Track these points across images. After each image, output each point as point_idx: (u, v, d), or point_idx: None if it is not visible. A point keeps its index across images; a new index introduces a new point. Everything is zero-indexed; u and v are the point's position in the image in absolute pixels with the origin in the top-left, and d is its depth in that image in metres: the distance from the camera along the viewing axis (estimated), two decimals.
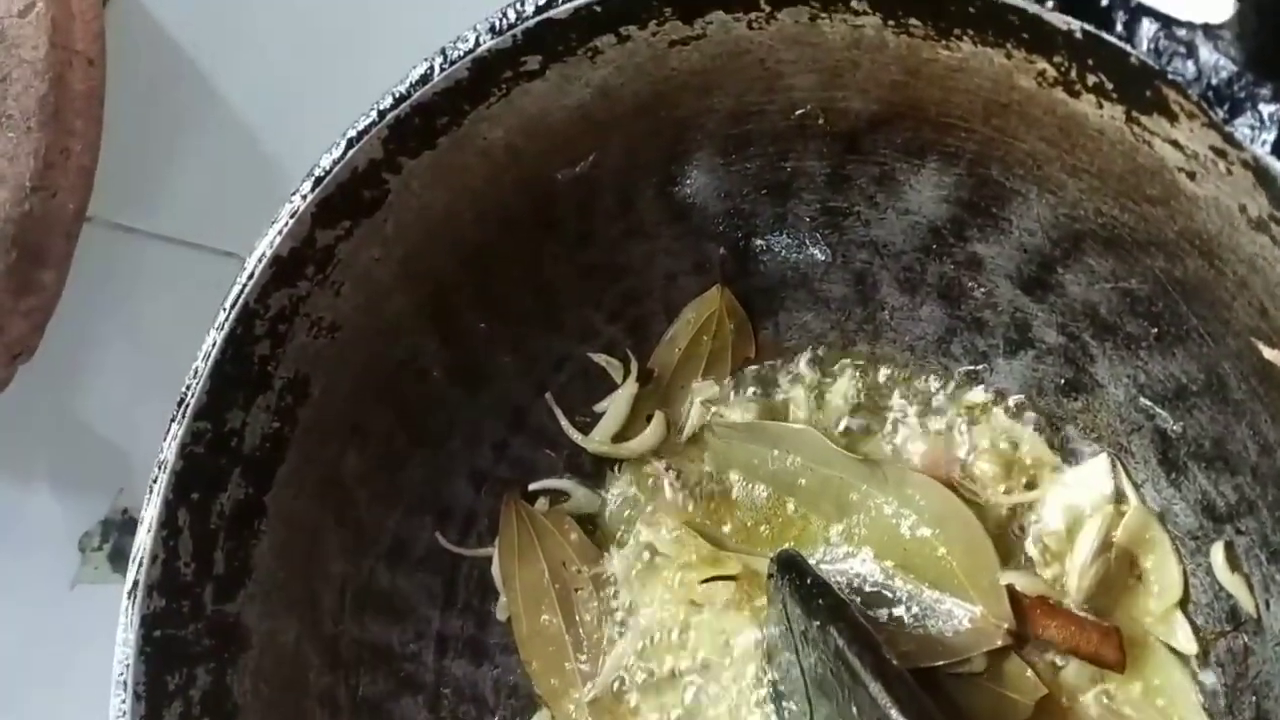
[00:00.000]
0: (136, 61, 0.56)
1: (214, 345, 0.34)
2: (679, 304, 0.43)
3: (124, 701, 0.32)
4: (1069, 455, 0.39)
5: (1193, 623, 0.35)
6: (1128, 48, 0.24)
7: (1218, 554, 0.34)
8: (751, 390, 0.43)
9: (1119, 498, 0.37)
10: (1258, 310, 0.27)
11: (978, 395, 0.40)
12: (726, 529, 0.41)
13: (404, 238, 0.36)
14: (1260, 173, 0.23)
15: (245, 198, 0.54)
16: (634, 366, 0.43)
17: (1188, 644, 0.35)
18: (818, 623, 0.33)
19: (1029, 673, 0.36)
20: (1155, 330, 0.33)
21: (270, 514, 0.36)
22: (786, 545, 0.39)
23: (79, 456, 0.56)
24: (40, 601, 0.55)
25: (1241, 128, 0.23)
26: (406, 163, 0.34)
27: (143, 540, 0.33)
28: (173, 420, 0.34)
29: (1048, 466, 0.38)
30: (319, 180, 0.33)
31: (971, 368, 0.40)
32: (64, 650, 0.53)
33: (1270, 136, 0.23)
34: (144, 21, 0.58)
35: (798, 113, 0.34)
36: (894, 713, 0.29)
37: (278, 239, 0.34)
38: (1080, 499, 0.37)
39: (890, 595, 0.37)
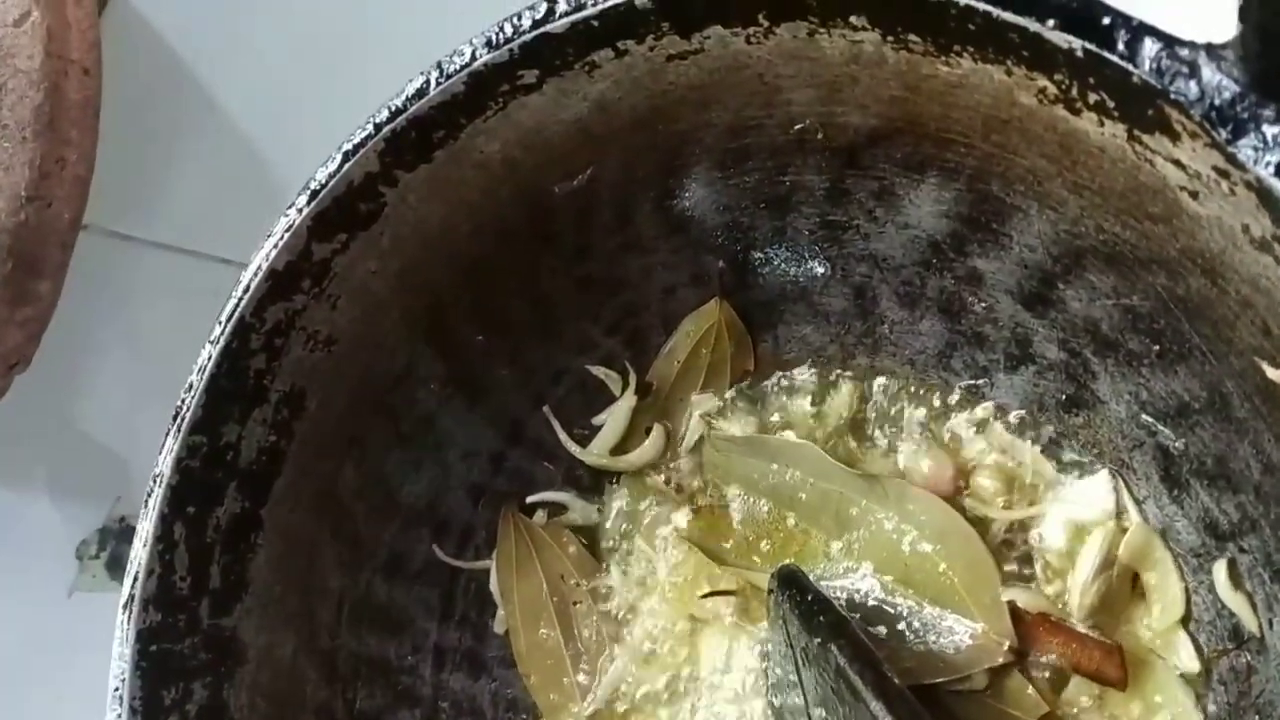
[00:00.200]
0: (133, 70, 0.56)
1: (209, 359, 0.34)
2: (677, 317, 0.43)
3: (120, 716, 0.32)
4: (1070, 471, 0.38)
5: (1195, 641, 0.35)
6: (1130, 67, 0.24)
7: (1220, 572, 0.34)
8: (750, 404, 0.43)
9: (1121, 514, 0.37)
10: (1261, 329, 0.27)
11: (978, 410, 0.40)
12: (728, 544, 0.41)
13: (400, 251, 0.36)
14: (1264, 194, 0.23)
15: (242, 205, 0.54)
16: (632, 379, 0.43)
17: (1190, 662, 0.35)
18: (818, 639, 0.32)
19: (1030, 690, 0.36)
20: (1157, 347, 0.33)
21: (266, 528, 0.36)
22: (787, 561, 0.39)
23: (77, 465, 0.56)
24: (38, 609, 0.55)
25: (1245, 149, 0.23)
26: (403, 176, 0.34)
27: (138, 554, 0.33)
28: (168, 434, 0.33)
29: (1049, 482, 0.38)
30: (314, 194, 0.33)
31: (972, 382, 0.40)
32: (62, 658, 0.53)
33: (1274, 158, 0.23)
34: (140, 29, 0.58)
35: (796, 127, 0.34)
36: None
37: (273, 252, 0.34)
38: (1082, 515, 0.37)
39: (891, 611, 0.37)
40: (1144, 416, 0.35)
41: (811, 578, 0.36)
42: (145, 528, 0.33)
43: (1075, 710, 0.36)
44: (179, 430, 0.33)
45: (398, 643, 0.41)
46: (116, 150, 0.51)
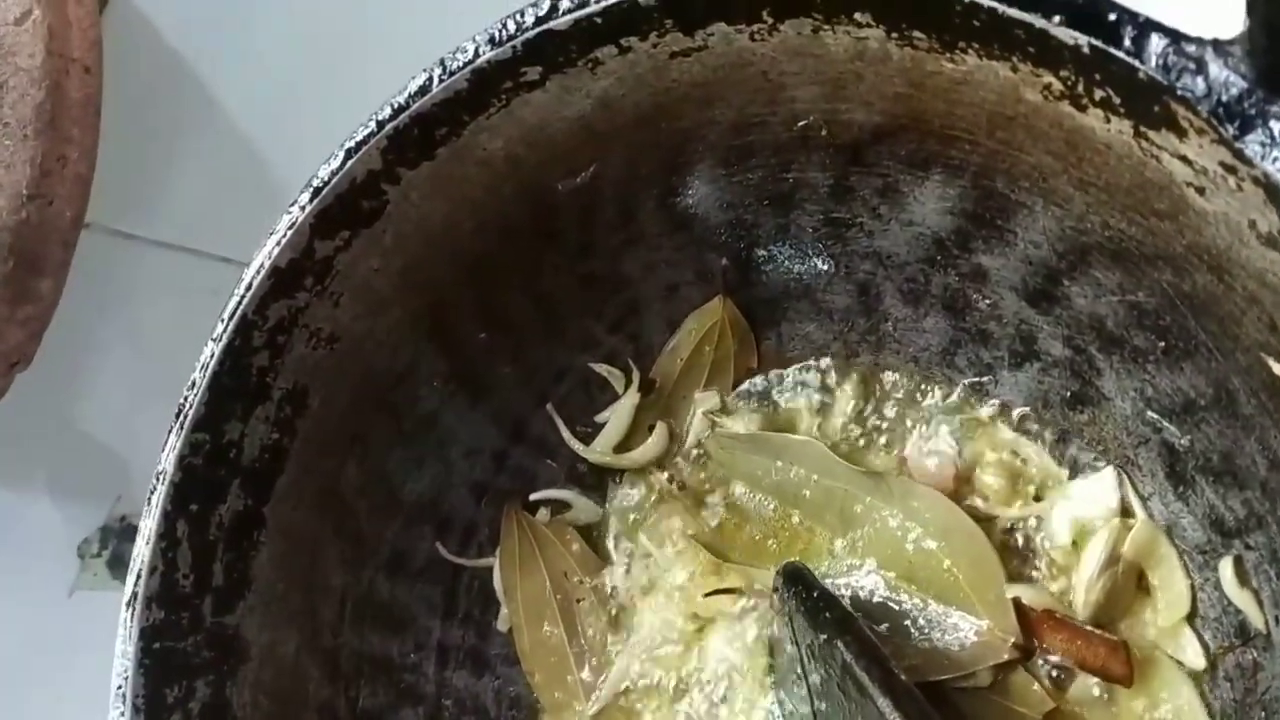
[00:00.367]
0: (134, 68, 0.56)
1: (212, 356, 0.34)
2: (681, 314, 0.42)
3: (123, 714, 0.32)
4: (1075, 468, 0.38)
5: (1201, 637, 0.35)
6: (1136, 63, 0.24)
7: (1226, 569, 0.34)
8: (754, 401, 0.43)
9: (1126, 511, 0.37)
10: (1267, 325, 0.27)
11: (983, 407, 0.40)
12: (734, 542, 0.41)
13: (403, 248, 0.36)
14: (1271, 190, 0.23)
15: (243, 204, 0.54)
16: (635, 377, 0.43)
17: (1196, 659, 0.35)
18: (824, 636, 0.32)
19: (1036, 686, 0.36)
20: (1163, 344, 0.32)
21: (269, 525, 0.36)
22: (792, 558, 0.39)
23: (78, 463, 0.56)
24: (39, 608, 0.55)
25: (1252, 144, 0.23)
26: (405, 173, 0.34)
27: (141, 552, 0.33)
28: (170, 431, 0.33)
29: (1053, 479, 0.38)
30: (317, 191, 0.33)
31: (976, 380, 0.40)
32: (63, 657, 0.53)
33: None
34: (142, 27, 0.58)
35: (800, 124, 0.34)
36: None
37: (276, 250, 0.34)
38: (1087, 512, 0.37)
39: (895, 609, 0.37)
40: (1149, 413, 0.35)
41: (816, 575, 0.36)
42: (148, 525, 0.33)
43: (1080, 707, 0.36)
44: (182, 428, 0.33)
45: (400, 640, 0.41)
46: (118, 148, 0.51)
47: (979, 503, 0.38)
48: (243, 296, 0.34)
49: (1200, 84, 0.23)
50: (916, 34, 0.28)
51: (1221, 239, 0.27)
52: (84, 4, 0.47)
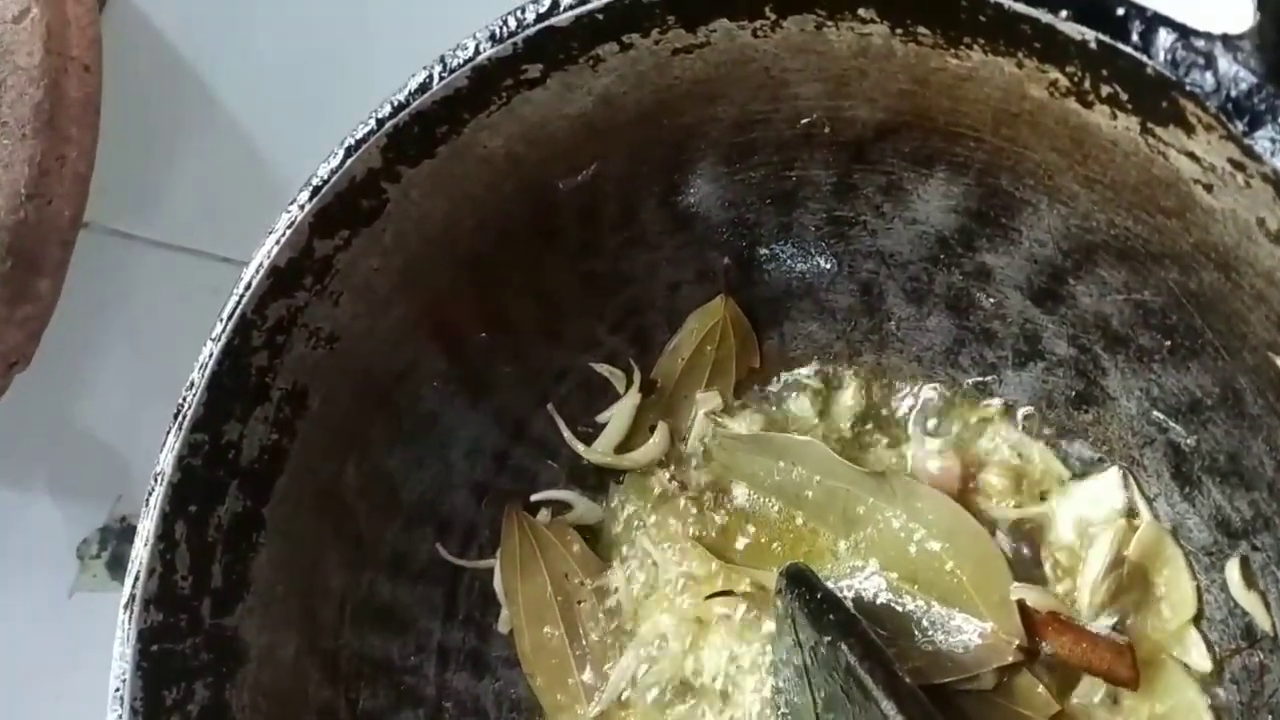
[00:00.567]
0: (133, 66, 0.56)
1: (211, 356, 0.34)
2: (682, 314, 0.42)
3: (120, 716, 0.32)
4: (1080, 468, 0.38)
5: (1207, 639, 0.35)
6: (1144, 58, 0.24)
7: (1233, 570, 0.33)
8: (756, 401, 0.42)
9: (1131, 512, 0.36)
10: (1275, 324, 0.27)
11: (987, 407, 0.39)
12: (739, 545, 0.40)
13: (403, 247, 0.36)
14: None
15: (242, 203, 0.54)
16: (637, 377, 0.43)
17: (1202, 661, 0.35)
18: (828, 638, 0.32)
19: (1040, 689, 0.35)
20: (1169, 343, 0.32)
21: (268, 526, 0.36)
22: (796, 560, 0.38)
23: (77, 464, 0.56)
24: (39, 609, 0.55)
25: (1261, 140, 0.23)
26: (405, 171, 0.34)
27: (139, 554, 0.33)
28: (169, 432, 0.33)
29: (1058, 480, 0.38)
30: (316, 190, 0.33)
31: (980, 379, 0.40)
32: (62, 658, 0.53)
33: None
34: (141, 26, 0.57)
35: (803, 121, 0.34)
36: None
37: (275, 249, 0.33)
38: (1092, 513, 0.37)
39: (899, 610, 0.36)
40: (1155, 413, 0.35)
41: (820, 577, 0.36)
42: (146, 527, 0.33)
43: (1086, 710, 0.36)
44: (180, 428, 0.33)
45: (401, 642, 0.41)
46: (117, 148, 0.51)
47: (983, 503, 0.38)
48: (242, 296, 0.33)
49: (1209, 79, 0.23)
50: (921, 30, 0.28)
51: (1229, 236, 0.26)
52: (83, 2, 0.47)
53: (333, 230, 0.34)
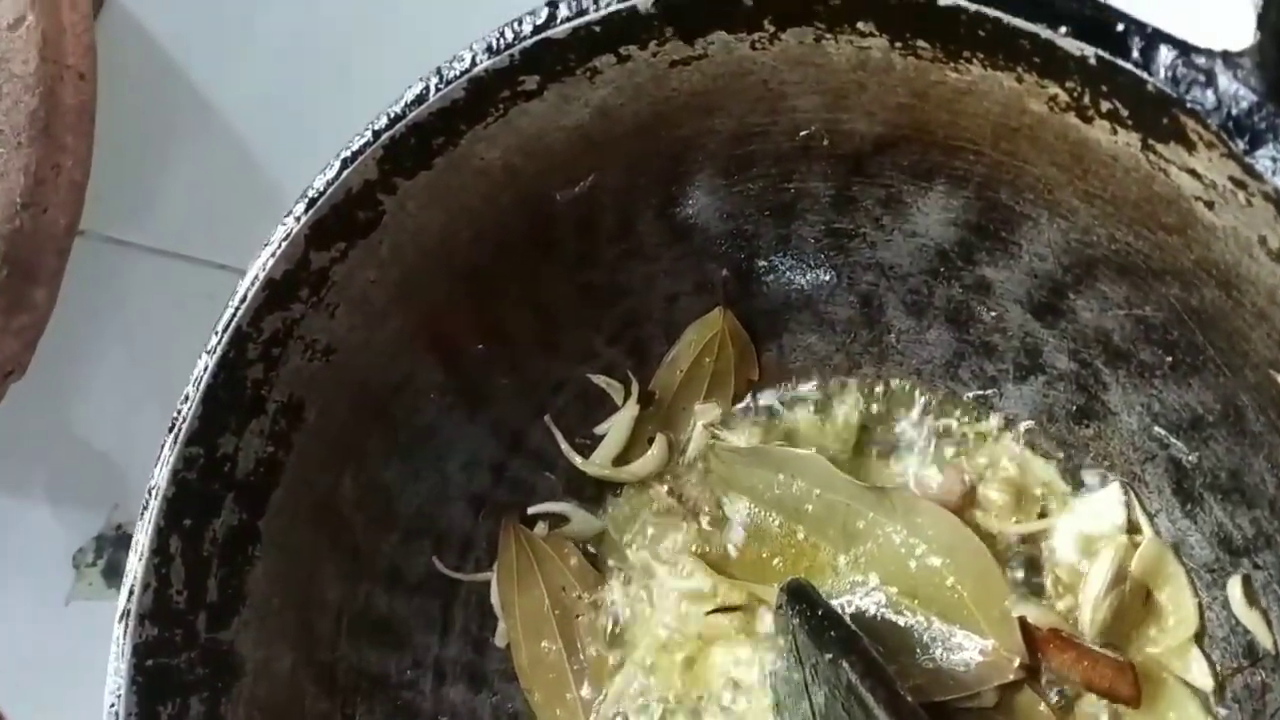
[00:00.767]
0: (129, 74, 0.56)
1: (205, 370, 0.33)
2: (680, 325, 0.42)
3: None
4: (1081, 484, 0.38)
5: (1209, 658, 0.34)
6: (1144, 75, 0.24)
7: (1235, 588, 0.33)
8: (755, 414, 0.42)
9: (1132, 528, 0.36)
10: (1277, 343, 0.27)
11: (987, 421, 0.39)
12: (740, 559, 0.40)
13: (400, 259, 0.35)
14: None
15: (239, 210, 0.54)
16: (634, 389, 0.42)
17: (1203, 679, 0.34)
18: (829, 655, 0.32)
19: (1042, 707, 0.35)
20: (1170, 359, 0.32)
21: (264, 540, 0.36)
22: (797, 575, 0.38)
23: (73, 472, 0.56)
24: (35, 617, 0.54)
25: (1263, 159, 0.22)
26: (402, 183, 0.33)
27: (134, 568, 0.33)
28: (164, 446, 0.33)
29: (1059, 495, 0.38)
30: (312, 202, 0.33)
31: (980, 393, 0.39)
32: (59, 666, 0.53)
33: None
34: (136, 33, 0.57)
35: (802, 134, 0.34)
36: None
37: (270, 261, 0.33)
38: (1093, 529, 0.36)
39: (900, 626, 0.36)
40: (1156, 429, 0.34)
41: (820, 592, 0.35)
42: (141, 541, 0.33)
43: None
44: (175, 442, 0.33)
45: (398, 656, 0.41)
46: (113, 155, 0.51)
47: (983, 518, 0.38)
48: (237, 309, 0.33)
49: (1210, 97, 0.23)
50: (920, 43, 0.28)
51: (1230, 254, 0.26)
52: (78, 9, 0.47)
53: (329, 242, 0.34)
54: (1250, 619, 0.33)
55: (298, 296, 0.34)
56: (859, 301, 0.40)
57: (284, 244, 0.33)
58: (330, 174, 0.33)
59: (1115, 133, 0.26)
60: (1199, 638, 0.35)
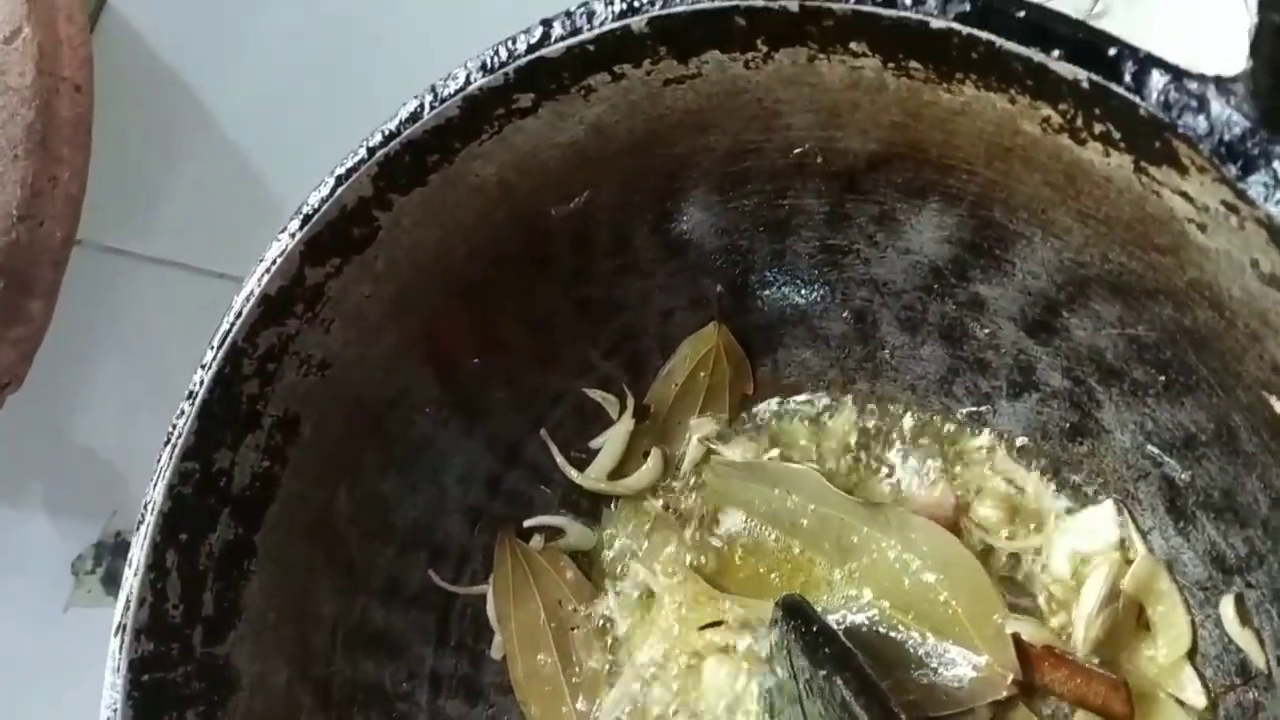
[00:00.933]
0: (126, 84, 0.56)
1: (201, 385, 0.33)
2: (676, 340, 0.42)
3: None
4: (1074, 501, 0.38)
5: (1202, 676, 0.34)
6: (1136, 99, 0.24)
7: (1227, 607, 0.33)
8: (750, 428, 0.42)
9: (1125, 546, 0.36)
10: (1270, 365, 0.27)
11: (981, 437, 0.39)
12: (735, 574, 0.40)
13: (395, 274, 0.36)
14: (1274, 231, 0.23)
15: (236, 219, 0.54)
16: (630, 402, 0.42)
17: (1196, 697, 0.34)
18: (823, 671, 0.32)
19: None
20: (1163, 378, 0.32)
21: (260, 554, 0.36)
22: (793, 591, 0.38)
23: (72, 480, 0.56)
24: (34, 625, 0.55)
25: (1255, 185, 0.22)
26: (397, 200, 0.34)
27: (130, 583, 0.33)
28: (160, 460, 0.33)
29: (1052, 512, 0.38)
30: (307, 218, 0.33)
31: (974, 409, 0.39)
32: (58, 674, 0.53)
33: None
34: (133, 44, 0.57)
35: (796, 151, 0.34)
36: None
37: (266, 277, 0.33)
38: (1086, 546, 0.36)
39: (894, 642, 0.36)
40: (1150, 447, 0.34)
41: (816, 608, 0.35)
42: (137, 556, 0.33)
43: None
44: (171, 457, 0.33)
45: (393, 669, 0.41)
46: (110, 165, 0.51)
47: (977, 534, 0.38)
48: (232, 324, 0.33)
49: (1202, 122, 0.23)
50: (913, 64, 0.28)
51: (1223, 276, 0.26)
52: (75, 22, 0.47)
53: (324, 258, 0.34)
54: (1243, 638, 0.33)
55: (293, 312, 0.34)
56: (853, 317, 0.40)
57: (279, 260, 0.33)
58: (325, 191, 0.33)
59: (1108, 155, 0.26)
60: (1192, 656, 0.35)
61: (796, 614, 0.34)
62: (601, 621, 0.41)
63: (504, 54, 0.30)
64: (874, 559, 0.37)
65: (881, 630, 0.37)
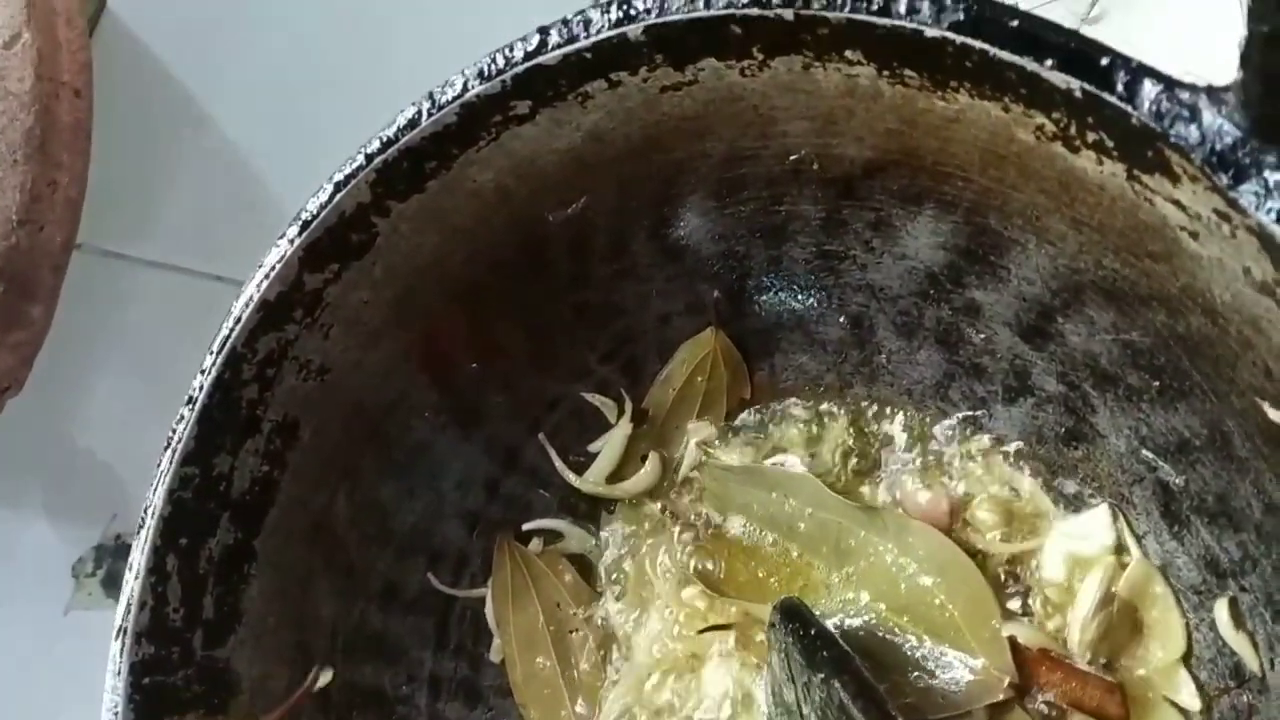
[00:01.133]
0: (126, 88, 0.56)
1: (200, 390, 0.33)
2: (673, 344, 0.42)
3: None
4: (1070, 504, 0.38)
5: (1196, 678, 0.35)
6: (1128, 108, 0.24)
7: (1222, 610, 0.33)
8: (747, 432, 0.42)
9: (1120, 549, 0.36)
10: (1262, 371, 0.27)
11: (977, 441, 0.39)
12: (734, 578, 0.40)
13: (393, 280, 0.36)
14: (1265, 239, 0.23)
15: (235, 223, 0.54)
16: (628, 406, 0.43)
17: (1191, 700, 0.34)
18: (821, 675, 0.32)
19: None
20: (1157, 384, 0.32)
21: (260, 558, 0.36)
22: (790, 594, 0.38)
23: (72, 483, 0.56)
24: (35, 627, 0.55)
25: (1246, 194, 0.22)
26: (395, 206, 0.34)
27: (131, 587, 0.33)
28: (160, 465, 0.33)
29: (1048, 515, 0.38)
30: (306, 224, 0.33)
31: (970, 413, 0.39)
32: (58, 676, 0.53)
33: (1276, 204, 0.22)
34: (133, 47, 0.57)
35: (792, 158, 0.34)
36: None
37: (264, 283, 0.33)
38: (1081, 549, 0.36)
39: (891, 645, 0.36)
40: (1144, 452, 0.35)
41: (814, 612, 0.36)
42: (137, 560, 0.33)
43: None
44: (171, 462, 0.33)
45: (393, 672, 0.41)
46: (110, 169, 0.51)
47: (973, 538, 0.38)
48: (232, 330, 0.33)
49: (1194, 132, 0.23)
50: (908, 72, 0.28)
51: (1215, 283, 0.26)
52: (74, 26, 0.47)
53: (322, 264, 0.34)
54: (1237, 641, 0.33)
55: (292, 317, 0.34)
56: (850, 322, 0.40)
57: (278, 266, 0.33)
58: (323, 197, 0.33)
59: (1101, 163, 0.26)
60: (1186, 659, 0.35)
61: (794, 617, 0.34)
62: (600, 625, 0.42)
63: (501, 61, 0.31)
64: (871, 562, 0.37)
65: (879, 634, 0.37)
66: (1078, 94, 0.24)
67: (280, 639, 0.37)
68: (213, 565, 0.34)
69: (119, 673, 0.33)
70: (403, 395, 0.39)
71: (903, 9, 0.26)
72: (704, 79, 0.31)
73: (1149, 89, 0.23)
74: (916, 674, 0.36)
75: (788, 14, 0.27)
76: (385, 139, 0.32)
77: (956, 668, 0.35)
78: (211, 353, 0.34)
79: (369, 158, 0.32)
